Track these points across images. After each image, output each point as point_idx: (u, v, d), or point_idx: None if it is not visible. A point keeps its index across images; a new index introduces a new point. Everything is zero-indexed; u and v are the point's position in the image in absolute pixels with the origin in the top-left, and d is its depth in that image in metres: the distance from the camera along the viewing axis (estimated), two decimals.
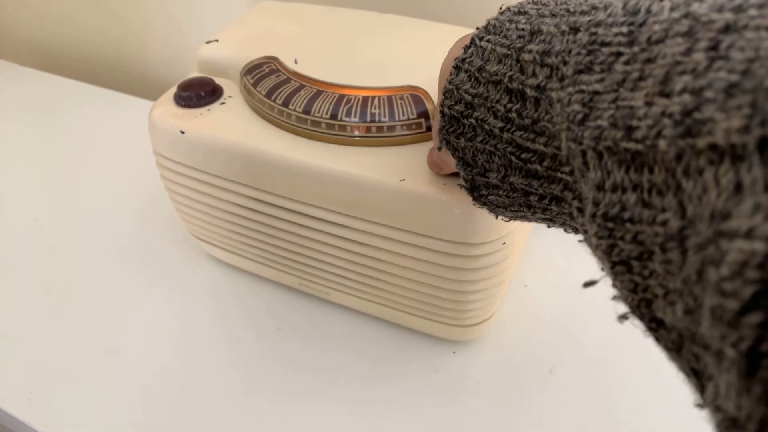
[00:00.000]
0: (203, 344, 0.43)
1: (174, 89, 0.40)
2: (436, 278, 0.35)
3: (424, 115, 0.34)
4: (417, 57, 0.38)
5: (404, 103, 0.35)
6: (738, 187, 0.12)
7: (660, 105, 0.15)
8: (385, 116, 0.34)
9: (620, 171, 0.16)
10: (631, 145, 0.16)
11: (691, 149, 0.14)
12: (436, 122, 0.27)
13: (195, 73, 0.42)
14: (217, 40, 0.42)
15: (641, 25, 0.16)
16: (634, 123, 0.16)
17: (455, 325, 0.39)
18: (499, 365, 0.41)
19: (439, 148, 0.26)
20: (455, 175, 0.32)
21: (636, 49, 0.16)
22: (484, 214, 0.32)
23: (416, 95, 0.35)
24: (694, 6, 0.15)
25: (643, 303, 0.17)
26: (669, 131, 0.14)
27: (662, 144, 0.15)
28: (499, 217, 0.27)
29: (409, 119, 0.34)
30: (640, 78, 0.16)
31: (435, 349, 0.42)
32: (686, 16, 0.15)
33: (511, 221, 0.33)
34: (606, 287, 0.20)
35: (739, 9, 0.14)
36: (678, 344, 0.16)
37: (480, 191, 0.26)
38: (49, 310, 0.46)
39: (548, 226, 0.25)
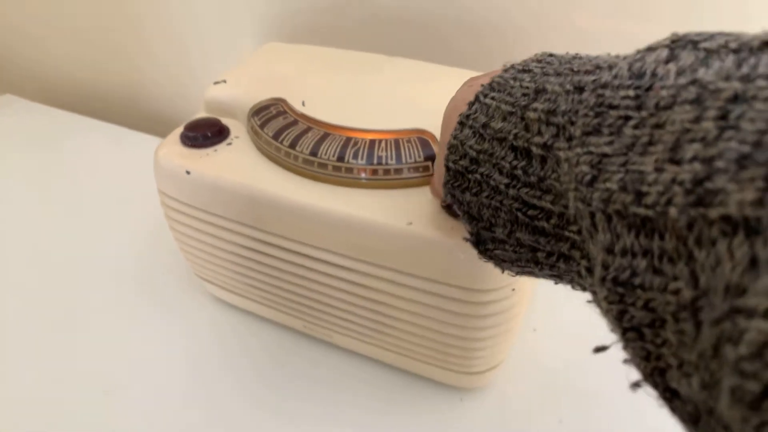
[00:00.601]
0: (205, 386, 0.42)
1: (180, 129, 0.40)
2: (442, 324, 0.34)
3: (431, 158, 0.34)
4: (424, 100, 0.38)
5: (411, 146, 0.34)
6: (753, 262, 0.12)
7: (670, 172, 0.15)
8: (392, 159, 0.34)
9: (630, 235, 0.16)
10: (641, 211, 0.15)
11: (703, 219, 0.13)
12: (440, 159, 0.27)
13: (202, 113, 0.42)
14: (224, 81, 0.42)
15: (648, 89, 0.16)
16: (644, 188, 0.15)
17: (462, 372, 0.38)
18: (508, 414, 0.40)
19: (445, 204, 0.26)
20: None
21: (644, 113, 0.16)
22: None
23: (423, 138, 0.35)
24: (700, 72, 0.15)
25: (656, 372, 0.16)
26: (680, 199, 0.14)
27: (673, 212, 0.14)
28: (506, 272, 0.27)
29: (416, 162, 0.34)
30: (650, 143, 0.16)
31: (441, 397, 0.41)
32: (693, 83, 0.15)
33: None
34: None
35: (747, 78, 0.14)
36: (694, 417, 0.15)
37: (486, 245, 0.26)
38: (48, 347, 0.45)
39: (555, 283, 0.25)
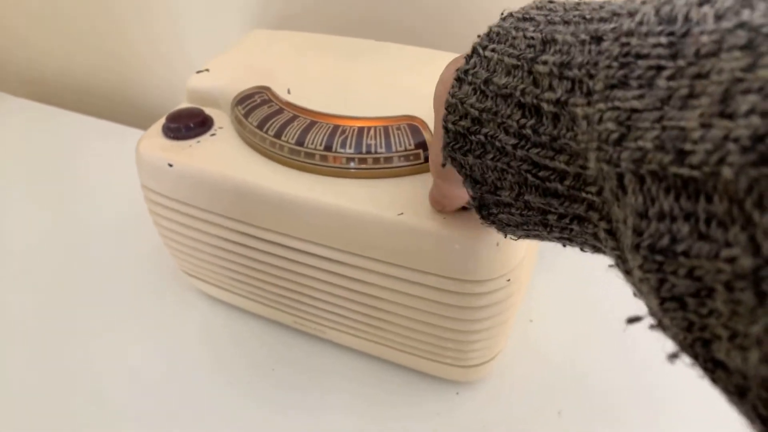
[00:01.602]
0: (194, 385, 0.41)
1: (162, 120, 0.38)
2: (436, 317, 0.33)
3: (422, 145, 0.33)
4: (414, 86, 0.37)
5: (401, 134, 0.33)
6: None
7: (721, 128, 0.13)
8: (381, 147, 0.33)
9: (668, 198, 0.15)
10: (684, 171, 0.14)
11: None
12: (434, 147, 0.25)
13: (185, 104, 0.41)
14: (207, 70, 0.41)
15: (684, 35, 0.15)
16: (688, 147, 0.14)
17: (458, 365, 0.37)
18: (505, 407, 0.39)
19: (443, 165, 0.25)
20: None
21: (682, 62, 0.15)
22: (487, 250, 0.30)
23: (413, 125, 0.34)
24: (746, 15, 0.13)
25: (698, 342, 0.15)
26: (735, 158, 0.13)
27: (727, 172, 0.13)
28: (508, 236, 0.26)
29: (406, 150, 0.33)
30: (691, 95, 0.14)
31: (437, 391, 0.40)
32: (741, 26, 0.13)
33: (519, 247, 0.31)
34: (616, 320, 0.18)
35: None
36: (743, 388, 0.14)
37: (489, 209, 0.24)
38: (31, 348, 0.44)
39: (563, 245, 0.23)
